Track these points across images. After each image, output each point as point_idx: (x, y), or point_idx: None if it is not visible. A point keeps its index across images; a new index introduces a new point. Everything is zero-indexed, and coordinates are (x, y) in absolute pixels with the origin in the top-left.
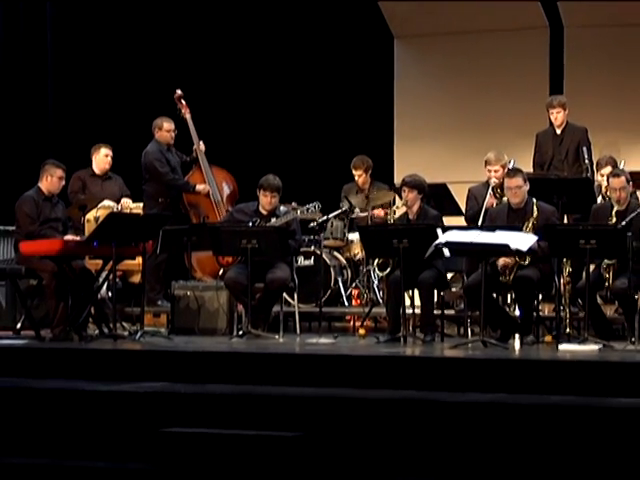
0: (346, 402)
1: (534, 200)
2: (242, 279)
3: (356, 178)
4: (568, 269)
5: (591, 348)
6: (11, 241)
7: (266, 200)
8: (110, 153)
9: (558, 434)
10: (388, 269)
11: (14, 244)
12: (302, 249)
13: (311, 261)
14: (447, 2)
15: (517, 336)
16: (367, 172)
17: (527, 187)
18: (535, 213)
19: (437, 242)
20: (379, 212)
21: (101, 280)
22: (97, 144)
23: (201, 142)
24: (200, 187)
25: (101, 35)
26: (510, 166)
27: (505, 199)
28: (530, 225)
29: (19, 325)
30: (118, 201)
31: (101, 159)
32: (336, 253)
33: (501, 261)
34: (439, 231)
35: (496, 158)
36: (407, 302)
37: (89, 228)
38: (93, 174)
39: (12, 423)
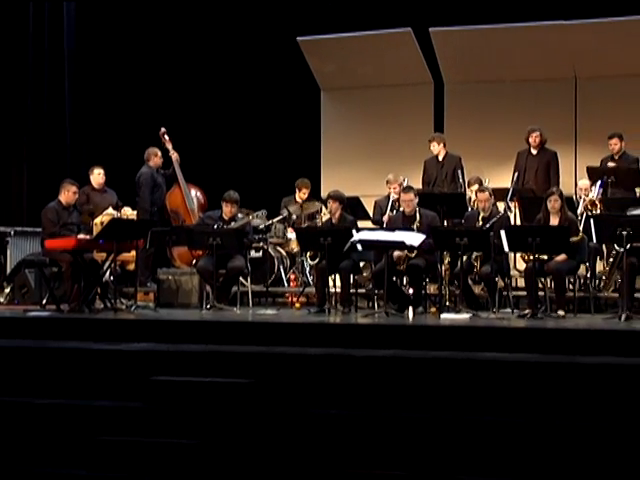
0: (286, 357)
1: (417, 208)
2: (209, 267)
3: (303, 195)
4: (447, 259)
5: (464, 317)
6: (38, 239)
7: (227, 209)
8: (102, 172)
9: (440, 379)
10: (317, 259)
11: (40, 241)
12: (253, 245)
13: (260, 253)
14: (361, 65)
15: (410, 308)
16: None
17: (416, 200)
18: (418, 218)
19: (353, 239)
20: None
21: (105, 268)
22: (92, 166)
23: (175, 152)
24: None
25: (107, 90)
26: (404, 184)
27: (401, 208)
28: (415, 227)
29: (44, 301)
30: (115, 208)
31: (95, 177)
32: (278, 247)
33: (395, 254)
34: (354, 232)
35: (394, 178)
36: (331, 283)
37: (96, 230)
38: (93, 189)
39: (39, 374)
